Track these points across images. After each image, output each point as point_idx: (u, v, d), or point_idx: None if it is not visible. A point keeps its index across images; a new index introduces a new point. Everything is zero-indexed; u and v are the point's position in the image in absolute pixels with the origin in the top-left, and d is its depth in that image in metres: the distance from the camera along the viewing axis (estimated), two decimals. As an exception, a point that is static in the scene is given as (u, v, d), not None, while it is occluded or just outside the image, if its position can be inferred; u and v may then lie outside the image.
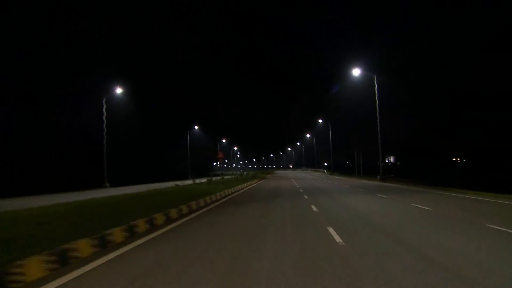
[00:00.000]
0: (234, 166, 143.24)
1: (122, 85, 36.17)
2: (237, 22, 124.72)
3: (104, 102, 36.54)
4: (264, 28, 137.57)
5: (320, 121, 67.07)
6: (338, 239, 6.63)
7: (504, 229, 7.50)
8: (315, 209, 11.53)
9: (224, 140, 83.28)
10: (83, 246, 5.67)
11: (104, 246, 6.18)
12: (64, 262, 5.10)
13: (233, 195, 18.57)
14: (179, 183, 26.01)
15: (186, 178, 44.24)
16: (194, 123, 64.90)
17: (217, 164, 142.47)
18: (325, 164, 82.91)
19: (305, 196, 16.44)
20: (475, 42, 45.47)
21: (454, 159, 56.87)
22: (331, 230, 7.57)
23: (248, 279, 4.33)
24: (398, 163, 76.80)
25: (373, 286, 4.06)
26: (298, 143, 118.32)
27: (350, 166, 65.87)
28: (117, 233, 6.76)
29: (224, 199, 15.95)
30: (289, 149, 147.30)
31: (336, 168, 70.08)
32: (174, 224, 8.86)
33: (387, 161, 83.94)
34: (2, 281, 4.06)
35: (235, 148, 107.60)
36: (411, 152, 67.40)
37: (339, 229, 7.63)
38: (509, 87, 39.35)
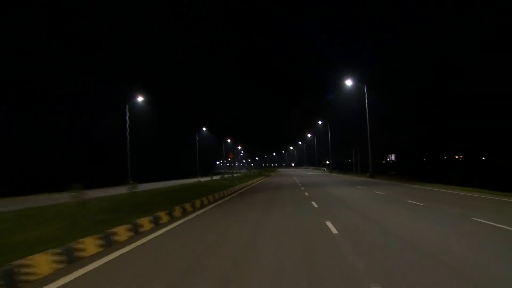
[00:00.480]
0: (236, 164, 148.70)
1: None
2: (237, 22, 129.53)
3: (127, 109, 41.82)
4: (264, 28, 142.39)
5: (320, 122, 72.91)
6: (315, 205, 12.62)
7: (415, 202, 13.36)
8: (307, 194, 17.56)
9: (229, 140, 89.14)
10: (188, 206, 11.70)
11: (195, 208, 12.23)
12: (184, 211, 11.14)
13: (248, 187, 24.69)
14: (202, 179, 32.04)
15: (195, 176, 49.70)
16: (198, 124, 70.55)
17: (220, 162, 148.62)
18: (327, 162, 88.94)
19: (302, 188, 22.47)
20: (475, 42, 47.57)
21: (456, 157, 61.81)
22: (313, 202, 13.56)
23: (270, 219, 10.33)
24: (390, 161, 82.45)
25: (328, 216, 10.02)
26: (300, 142, 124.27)
27: (351, 164, 71.34)
28: (197, 203, 12.80)
29: (243, 190, 22.04)
30: (291, 148, 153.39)
31: (337, 166, 75.78)
32: (218, 202, 14.90)
33: (388, 159, 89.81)
34: (171, 215, 10.06)
35: (239, 147, 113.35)
36: (409, 152, 73.03)
37: (318, 202, 13.65)
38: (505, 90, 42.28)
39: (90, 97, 51.16)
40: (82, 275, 4.79)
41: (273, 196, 17.38)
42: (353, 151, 69.68)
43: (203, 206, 13.11)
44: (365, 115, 40.01)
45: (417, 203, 12.85)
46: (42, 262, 4.80)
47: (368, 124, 38.71)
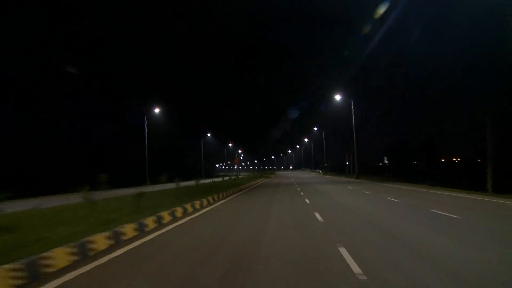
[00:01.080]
0: (236, 167, 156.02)
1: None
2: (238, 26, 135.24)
3: (145, 119, 49.30)
4: (265, 32, 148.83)
5: (315, 128, 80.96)
6: (302, 194, 20.59)
7: (367, 192, 21.27)
8: (298, 189, 25.52)
9: (230, 144, 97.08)
10: (227, 192, 19.62)
11: (231, 194, 20.19)
12: (227, 195, 19.07)
13: (255, 185, 32.71)
14: (216, 179, 39.85)
15: (199, 177, 56.61)
16: (201, 127, 78.26)
17: (219, 165, 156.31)
18: (325, 165, 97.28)
19: (296, 185, 30.45)
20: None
21: (454, 159, 69.10)
22: (302, 193, 21.51)
23: (274, 201, 18.31)
24: (387, 163, 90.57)
25: (308, 198, 17.95)
26: (298, 146, 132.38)
27: (347, 166, 78.69)
28: (227, 193, 20.74)
29: (252, 186, 30.03)
30: (289, 151, 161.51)
31: (335, 169, 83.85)
32: (241, 192, 22.82)
33: (385, 161, 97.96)
34: (223, 195, 18.01)
35: (239, 151, 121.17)
36: (402, 156, 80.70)
37: (304, 192, 21.62)
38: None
39: (91, 98, 55.51)
40: (201, 214, 12.69)
41: (275, 189, 25.41)
42: (347, 155, 77.82)
43: (234, 193, 21.16)
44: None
45: (368, 192, 20.83)
46: (178, 211, 12.63)
47: (354, 133, 46.74)
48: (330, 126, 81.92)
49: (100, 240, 6.64)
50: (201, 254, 6.18)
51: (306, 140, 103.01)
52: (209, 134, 78.17)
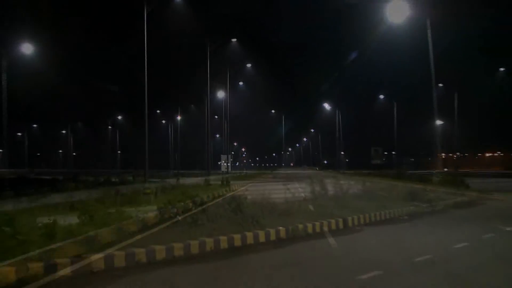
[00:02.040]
0: (237, 165, 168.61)
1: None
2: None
3: (169, 126, 63.09)
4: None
5: (312, 130, 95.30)
6: (297, 184, 34.91)
7: (335, 182, 35.37)
8: (294, 180, 39.80)
9: (235, 144, 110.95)
10: (248, 181, 33.91)
11: (250, 182, 34.51)
12: (249, 182, 33.33)
13: (262, 178, 47.19)
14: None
15: (208, 174, 70.48)
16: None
17: (221, 163, 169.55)
18: (325, 162, 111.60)
19: (292, 178, 44.69)
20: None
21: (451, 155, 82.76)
22: (296, 183, 35.78)
23: (277, 186, 32.64)
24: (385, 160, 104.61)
25: (294, 180, 32.17)
26: (298, 145, 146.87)
27: (344, 164, 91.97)
28: (249, 180, 35.04)
29: (260, 180, 44.50)
30: (290, 149, 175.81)
31: (330, 166, 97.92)
32: (254, 182, 37.11)
33: (384, 159, 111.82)
34: (247, 183, 32.25)
35: (243, 149, 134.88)
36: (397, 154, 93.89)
37: (297, 181, 35.95)
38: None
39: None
40: (249, 185, 26.92)
41: (276, 180, 39.85)
42: (340, 154, 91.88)
43: (252, 181, 35.53)
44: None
45: (336, 181, 35.11)
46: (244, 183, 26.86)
47: (340, 138, 61.01)
48: (328, 126, 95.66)
49: (223, 191, 20.93)
50: (259, 191, 20.44)
51: (305, 139, 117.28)
52: (217, 135, 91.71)
